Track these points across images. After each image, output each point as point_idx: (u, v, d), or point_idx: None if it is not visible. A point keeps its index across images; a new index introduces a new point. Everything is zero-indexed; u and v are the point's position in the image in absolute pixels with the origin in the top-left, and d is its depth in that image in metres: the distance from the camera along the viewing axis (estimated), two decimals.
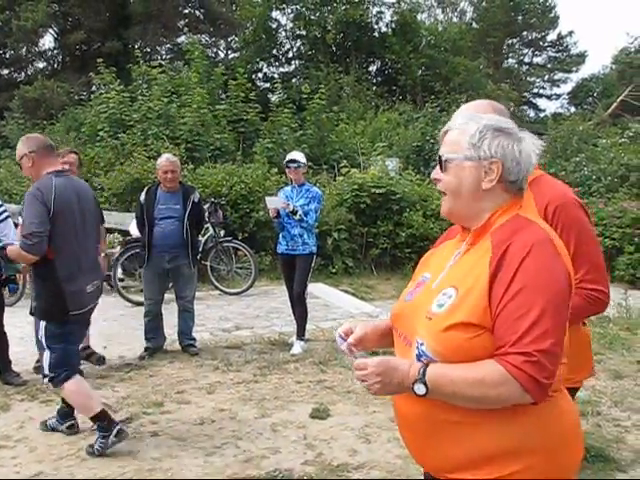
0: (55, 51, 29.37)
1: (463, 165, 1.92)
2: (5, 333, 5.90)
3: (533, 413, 1.77)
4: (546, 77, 40.83)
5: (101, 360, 6.42)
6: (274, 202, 6.86)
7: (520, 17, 37.89)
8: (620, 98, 30.44)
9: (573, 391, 2.61)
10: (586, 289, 2.52)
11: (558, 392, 1.86)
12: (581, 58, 39.75)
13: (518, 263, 1.76)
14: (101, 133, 14.72)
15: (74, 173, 6.29)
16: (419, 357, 1.86)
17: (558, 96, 40.97)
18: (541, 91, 41.61)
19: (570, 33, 39.73)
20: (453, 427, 1.83)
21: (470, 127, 1.93)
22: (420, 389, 1.77)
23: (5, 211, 5.74)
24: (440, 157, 1.97)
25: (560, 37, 39.86)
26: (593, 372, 2.88)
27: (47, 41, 28.72)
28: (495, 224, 1.90)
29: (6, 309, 6.13)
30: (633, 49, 34.90)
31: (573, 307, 2.52)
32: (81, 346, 6.53)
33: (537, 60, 40.88)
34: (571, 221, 2.53)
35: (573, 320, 2.52)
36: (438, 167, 1.99)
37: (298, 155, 7.07)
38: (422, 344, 1.86)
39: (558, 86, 41.03)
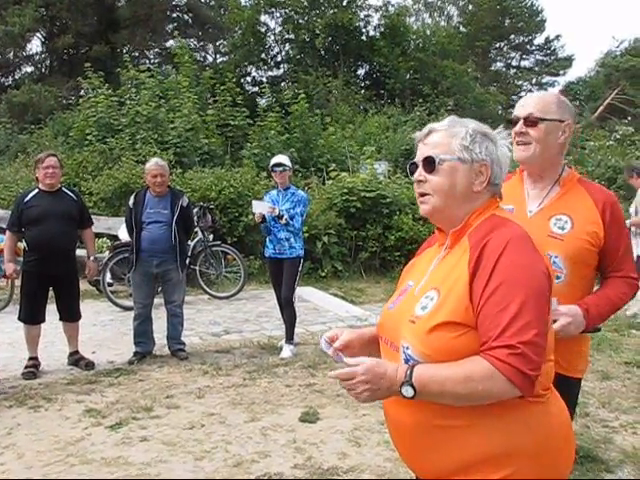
0: (43, 55, 29.30)
1: (456, 167, 1.93)
2: None
3: (523, 415, 1.78)
4: (534, 80, 40.98)
5: (90, 365, 6.40)
6: (260, 206, 6.85)
7: (507, 21, 38.02)
8: (607, 101, 30.65)
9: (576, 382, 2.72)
10: (632, 278, 2.67)
11: (548, 392, 1.87)
12: (568, 61, 39.95)
13: (495, 259, 1.78)
14: (89, 137, 14.67)
15: (57, 176, 6.29)
16: (407, 361, 1.86)
17: None
18: (529, 94, 41.82)
19: (557, 37, 39.96)
20: (446, 432, 1.83)
21: (459, 130, 1.96)
22: (408, 391, 1.76)
23: None
24: (430, 157, 1.95)
25: (547, 41, 40.06)
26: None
27: (34, 45, 28.77)
28: (472, 225, 1.93)
29: None
30: (619, 52, 35.11)
31: (625, 294, 2.62)
32: (69, 351, 6.54)
33: (525, 63, 41.08)
34: (623, 219, 2.71)
35: (620, 306, 2.64)
36: (421, 168, 1.98)
37: (283, 158, 7.06)
38: (408, 348, 1.86)
39: (546, 89, 41.04)
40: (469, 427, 1.80)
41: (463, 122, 2.00)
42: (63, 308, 6.46)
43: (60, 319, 6.51)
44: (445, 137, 1.96)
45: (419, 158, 1.99)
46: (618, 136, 19.11)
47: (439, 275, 1.93)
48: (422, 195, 1.99)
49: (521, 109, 2.62)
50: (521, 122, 2.58)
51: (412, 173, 2.02)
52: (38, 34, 27.85)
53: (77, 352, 6.54)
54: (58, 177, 6.32)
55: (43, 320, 6.39)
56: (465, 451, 1.81)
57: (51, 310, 6.45)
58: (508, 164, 2.02)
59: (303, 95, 17.94)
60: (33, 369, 6.21)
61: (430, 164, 1.95)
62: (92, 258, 6.60)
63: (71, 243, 6.39)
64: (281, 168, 6.88)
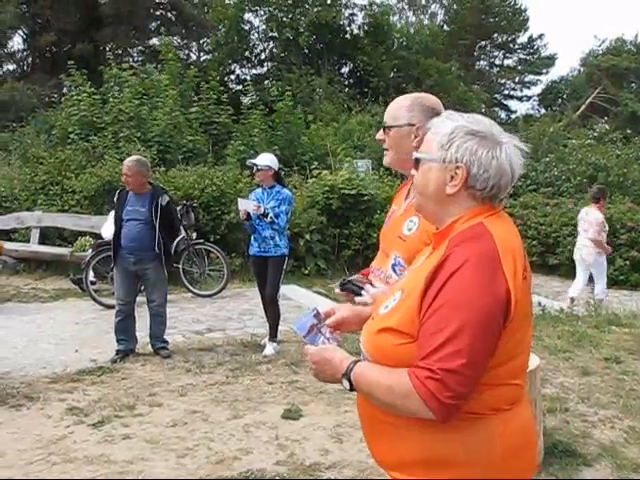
0: (25, 53, 29.10)
1: (430, 166, 1.87)
2: None
3: (459, 430, 1.75)
4: (517, 79, 41.25)
5: None
6: (245, 204, 6.86)
7: (491, 20, 38.22)
8: (589, 100, 30.90)
9: None
10: None
11: (498, 412, 1.79)
12: (551, 60, 40.22)
13: (447, 277, 1.70)
14: (72, 135, 14.58)
15: None
16: (360, 354, 1.94)
17: (529, 98, 41.46)
18: (512, 93, 42.05)
19: (540, 36, 40.24)
20: (390, 428, 1.85)
21: (444, 127, 1.87)
22: (346, 384, 1.85)
23: None
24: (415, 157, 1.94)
25: (530, 40, 40.32)
26: None
27: (16, 43, 28.47)
28: (456, 230, 1.82)
29: None
30: (601, 52, 35.40)
31: None
32: None
33: (508, 62, 41.31)
34: None
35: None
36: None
37: (260, 158, 7.06)
38: (360, 342, 1.94)
39: (528, 88, 41.50)
40: (409, 429, 1.80)
41: (455, 117, 1.90)
42: None
43: None
44: (430, 135, 1.91)
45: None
46: (595, 134, 19.32)
47: (413, 276, 1.90)
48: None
49: (384, 117, 2.59)
50: (381, 130, 2.57)
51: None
52: (20, 31, 27.66)
53: None
54: None
55: None
56: (403, 450, 1.82)
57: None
58: (510, 167, 1.83)
59: (289, 92, 18.00)
60: None
61: (416, 162, 1.93)
62: None
63: None
64: (256, 167, 6.92)
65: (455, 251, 1.74)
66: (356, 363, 1.85)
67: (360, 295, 2.34)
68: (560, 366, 6.29)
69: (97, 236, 10.53)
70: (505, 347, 1.74)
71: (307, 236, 11.67)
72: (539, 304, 8.47)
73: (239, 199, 7.25)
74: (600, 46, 35.96)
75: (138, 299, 7.02)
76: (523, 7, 38.93)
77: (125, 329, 6.73)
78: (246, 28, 29.45)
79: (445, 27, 37.97)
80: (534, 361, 3.88)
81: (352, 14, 29.26)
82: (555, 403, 5.21)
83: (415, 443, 1.80)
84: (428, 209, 1.94)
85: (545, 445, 4.11)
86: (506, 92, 41.94)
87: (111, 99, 15.62)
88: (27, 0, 25.35)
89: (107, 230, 9.12)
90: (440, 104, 2.54)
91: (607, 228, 9.87)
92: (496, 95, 39.84)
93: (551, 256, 12.68)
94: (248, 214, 6.78)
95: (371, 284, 2.39)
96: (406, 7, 40.73)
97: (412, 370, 1.69)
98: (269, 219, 6.70)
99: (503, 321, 1.70)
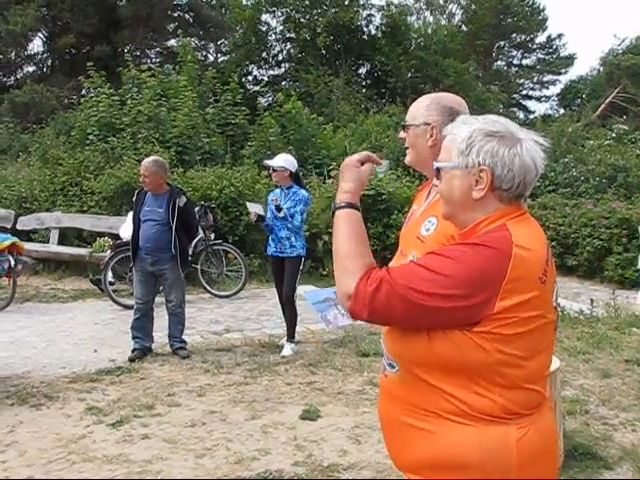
0: (44, 55, 29.38)
1: (453, 174, 1.86)
2: None
3: (477, 433, 1.75)
4: (535, 79, 40.98)
5: None
6: (253, 207, 7.08)
7: (509, 19, 38.01)
8: (608, 100, 30.66)
9: None
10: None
11: (516, 418, 1.78)
12: (570, 60, 39.92)
13: (457, 242, 1.86)
14: (91, 137, 14.63)
15: None
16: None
17: (547, 98, 41.17)
18: (530, 93, 41.79)
19: (559, 35, 39.95)
20: (411, 431, 1.86)
21: (460, 133, 1.86)
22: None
23: None
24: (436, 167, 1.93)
25: (549, 39, 40.05)
26: None
27: (36, 45, 28.78)
28: (480, 231, 1.82)
29: None
30: (620, 51, 35.08)
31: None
32: None
33: (526, 62, 41.04)
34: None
35: None
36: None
37: (275, 159, 7.09)
38: (381, 338, 2.05)
39: (547, 88, 41.22)
40: (431, 432, 1.81)
41: (471, 121, 1.88)
42: None
43: None
44: (448, 142, 1.90)
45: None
46: (614, 134, 19.13)
47: None
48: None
49: (406, 115, 2.58)
50: (402, 130, 2.56)
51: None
52: (40, 34, 27.95)
53: None
54: None
55: None
56: (422, 452, 1.83)
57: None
58: (533, 163, 1.82)
59: (294, 97, 18.04)
60: None
61: (437, 171, 1.92)
62: None
63: None
64: (271, 169, 7.01)
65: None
66: (349, 207, 2.00)
67: None
68: (580, 368, 6.24)
69: (116, 237, 10.59)
70: (513, 349, 1.74)
71: (325, 237, 11.65)
72: (558, 305, 8.40)
73: (247, 203, 7.40)
74: (620, 45, 35.57)
75: (157, 299, 7.05)
76: (542, 7, 38.68)
77: (141, 327, 6.76)
78: (263, 29, 29.49)
79: (463, 27, 37.79)
80: (554, 363, 3.85)
81: (370, 15, 29.23)
82: (575, 405, 5.17)
83: (434, 445, 1.80)
84: (457, 217, 1.92)
85: (565, 448, 4.08)
86: (524, 92, 41.70)
87: (130, 100, 15.68)
88: (47, 3, 25.56)
89: (125, 231, 9.17)
90: (461, 104, 2.51)
91: None
92: (514, 95, 39.62)
93: (570, 257, 12.58)
94: (259, 216, 6.88)
95: None
96: (424, 7, 40.57)
97: (376, 268, 1.81)
98: (282, 214, 6.72)
99: (466, 313, 1.72)
